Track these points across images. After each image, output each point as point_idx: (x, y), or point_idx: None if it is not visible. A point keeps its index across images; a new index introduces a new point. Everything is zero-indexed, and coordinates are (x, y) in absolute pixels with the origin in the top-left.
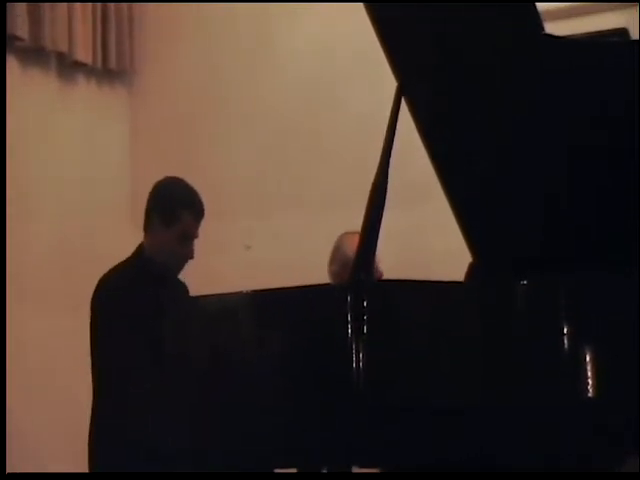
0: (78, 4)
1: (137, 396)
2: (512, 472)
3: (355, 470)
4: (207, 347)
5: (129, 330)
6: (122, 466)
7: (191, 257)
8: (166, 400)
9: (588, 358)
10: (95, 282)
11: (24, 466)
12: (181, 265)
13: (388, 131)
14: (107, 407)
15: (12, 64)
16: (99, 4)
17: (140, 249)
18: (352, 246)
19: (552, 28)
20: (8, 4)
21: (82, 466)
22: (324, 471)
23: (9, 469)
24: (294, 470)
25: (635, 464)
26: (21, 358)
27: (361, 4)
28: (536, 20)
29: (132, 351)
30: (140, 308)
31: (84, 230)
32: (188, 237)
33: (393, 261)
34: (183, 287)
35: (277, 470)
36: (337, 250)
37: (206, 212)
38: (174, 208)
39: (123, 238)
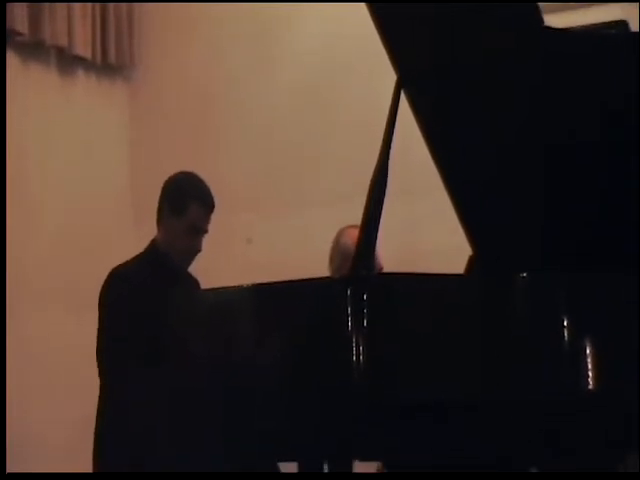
0: None
1: (144, 396)
2: (513, 472)
3: (356, 466)
4: (207, 341)
5: (139, 327)
6: (127, 466)
7: (199, 250)
8: (169, 396)
9: (588, 351)
10: (96, 279)
11: (25, 466)
12: (190, 258)
13: (387, 126)
14: (114, 408)
15: (12, 59)
16: None
17: (153, 243)
18: (352, 240)
19: (551, 21)
20: None
21: (83, 466)
22: (325, 467)
23: (9, 469)
24: (294, 464)
25: (635, 464)
26: (21, 356)
27: (363, 4)
28: (536, 13)
29: (141, 349)
30: (152, 304)
31: (84, 226)
32: (197, 230)
33: (389, 255)
34: (195, 282)
35: (277, 463)
36: (337, 244)
37: None
38: (183, 199)
39: (123, 234)
